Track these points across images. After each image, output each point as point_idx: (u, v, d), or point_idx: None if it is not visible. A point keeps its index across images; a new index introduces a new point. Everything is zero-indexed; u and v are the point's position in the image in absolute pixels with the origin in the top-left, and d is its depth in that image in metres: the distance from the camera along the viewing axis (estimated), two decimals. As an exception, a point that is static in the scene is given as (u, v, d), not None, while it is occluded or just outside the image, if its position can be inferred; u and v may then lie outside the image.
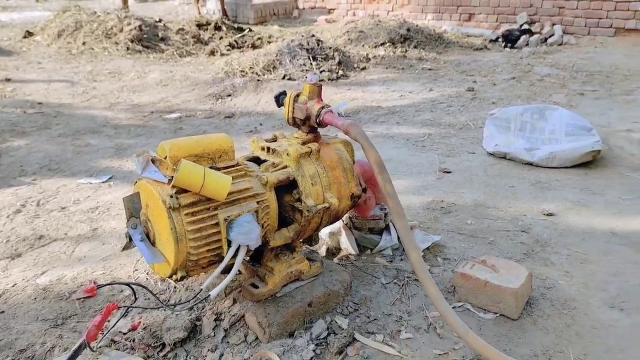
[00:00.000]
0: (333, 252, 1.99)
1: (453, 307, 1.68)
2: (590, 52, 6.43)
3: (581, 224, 2.29)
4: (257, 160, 1.71)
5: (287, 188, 1.62)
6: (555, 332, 1.56)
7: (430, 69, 5.84)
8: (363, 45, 6.74)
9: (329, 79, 5.29)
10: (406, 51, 6.53)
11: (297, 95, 1.75)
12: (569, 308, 1.68)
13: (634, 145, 3.33)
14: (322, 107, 1.69)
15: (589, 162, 3.00)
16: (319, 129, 1.75)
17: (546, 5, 7.35)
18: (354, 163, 1.81)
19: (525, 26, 7.23)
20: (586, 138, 3.19)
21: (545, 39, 7.01)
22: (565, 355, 1.47)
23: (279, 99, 1.82)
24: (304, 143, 1.71)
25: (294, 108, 1.74)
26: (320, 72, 5.43)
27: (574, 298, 1.73)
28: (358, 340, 1.49)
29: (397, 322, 1.60)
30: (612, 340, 1.53)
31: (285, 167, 1.62)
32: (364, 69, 5.79)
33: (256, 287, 1.57)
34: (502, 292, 1.62)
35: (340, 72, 5.49)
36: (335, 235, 2.00)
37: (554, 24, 7.23)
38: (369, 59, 6.13)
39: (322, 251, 1.98)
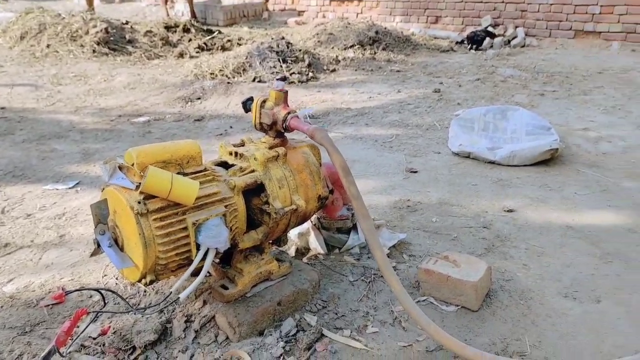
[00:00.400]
0: (302, 252, 2.04)
1: (417, 302, 1.75)
2: (551, 53, 6.69)
3: (539, 219, 2.41)
4: (225, 165, 1.74)
5: (255, 191, 1.65)
6: (513, 321, 1.65)
7: (398, 71, 5.96)
8: (332, 48, 6.82)
9: (299, 81, 5.34)
10: (375, 53, 6.64)
11: (264, 101, 1.79)
12: (526, 298, 1.78)
13: (590, 143, 3.50)
14: (289, 113, 1.73)
15: (548, 160, 3.13)
16: (286, 134, 1.80)
17: (509, 9, 7.60)
18: (320, 166, 1.86)
19: (490, 29, 7.45)
20: (545, 137, 3.34)
21: (509, 41, 7.25)
22: (522, 342, 1.56)
23: (246, 105, 1.86)
24: (271, 147, 1.75)
25: (260, 114, 1.78)
26: (290, 74, 5.47)
27: (531, 289, 1.83)
28: (326, 336, 1.54)
29: (364, 317, 1.66)
30: (565, 328, 1.63)
31: (253, 171, 1.66)
32: (333, 71, 5.86)
33: (226, 288, 1.60)
34: (462, 285, 1.70)
35: (310, 74, 5.54)
36: (304, 235, 2.05)
37: (516, 27, 7.48)
38: (339, 61, 6.20)
39: (292, 251, 2.02)
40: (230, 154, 1.76)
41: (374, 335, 1.58)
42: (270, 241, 1.75)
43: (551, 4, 7.22)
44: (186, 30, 7.51)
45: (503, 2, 7.61)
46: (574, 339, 1.57)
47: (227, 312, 1.53)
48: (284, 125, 1.73)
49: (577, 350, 1.52)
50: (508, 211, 2.49)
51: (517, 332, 1.60)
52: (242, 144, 1.83)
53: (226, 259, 1.70)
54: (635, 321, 1.65)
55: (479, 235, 2.25)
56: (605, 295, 1.79)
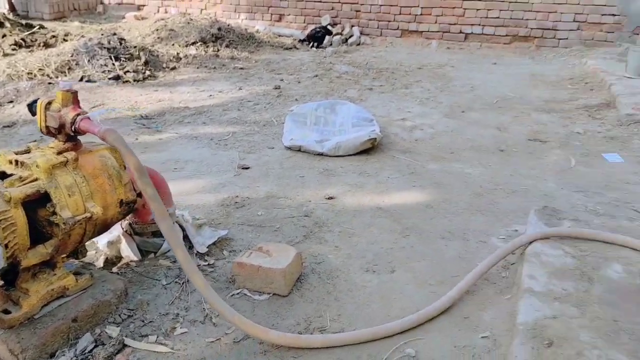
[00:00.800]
0: (113, 261, 1.94)
1: (232, 295, 1.79)
2: (382, 51, 7.32)
3: (354, 203, 2.63)
4: (4, 175, 1.57)
5: (41, 202, 1.52)
6: (318, 300, 1.79)
7: (241, 68, 5.97)
8: (173, 44, 6.56)
9: (134, 80, 5.04)
10: (218, 50, 6.56)
11: (49, 103, 1.66)
12: (333, 277, 1.93)
13: (406, 131, 3.92)
14: (78, 114, 1.63)
15: (370, 149, 3.43)
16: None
17: (345, 8, 8.11)
18: (125, 169, 1.78)
19: (330, 27, 7.87)
20: (368, 128, 3.65)
21: (346, 39, 7.75)
22: (323, 318, 1.69)
23: (32, 108, 1.71)
24: (59, 152, 1.63)
25: (46, 117, 1.65)
26: (125, 72, 5.13)
27: (339, 268, 2.00)
28: (129, 346, 1.49)
29: (173, 320, 1.64)
30: (362, 298, 1.81)
31: (36, 179, 1.52)
32: (173, 68, 5.65)
33: (9, 312, 1.45)
34: (272, 273, 1.78)
35: (147, 72, 5.27)
36: (114, 244, 1.95)
37: (353, 26, 8.02)
38: (180, 59, 6.00)
39: (100, 262, 1.91)
40: (10, 162, 1.60)
41: (182, 336, 1.57)
42: (65, 254, 1.63)
43: (381, 5, 7.88)
44: (0, 24, 6.55)
45: (340, 2, 8.09)
46: (368, 307, 1.76)
47: (8, 339, 1.39)
48: (73, 128, 1.62)
49: (370, 317, 1.71)
50: (329, 199, 2.67)
51: (321, 310, 1.73)
52: (27, 151, 1.66)
53: (12, 279, 1.54)
54: (419, 285, 1.90)
55: (300, 224, 2.38)
56: (399, 265, 2.03)
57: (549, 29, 7.04)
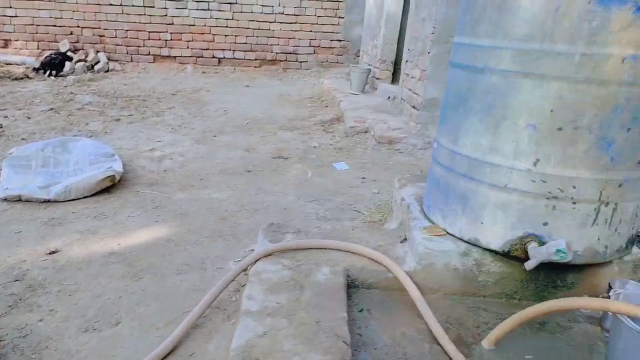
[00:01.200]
0: None
1: None
2: (134, 77, 6.97)
3: (83, 253, 2.36)
4: None
5: None
6: (15, 386, 1.51)
7: (-53, 106, 4.88)
8: None
9: None
10: None
11: None
12: (40, 350, 1.67)
13: (154, 162, 3.76)
14: None
15: (111, 187, 3.16)
16: None
17: (87, 33, 7.47)
18: None
19: (70, 53, 7.12)
20: (107, 164, 3.37)
21: (92, 66, 7.13)
22: (20, 407, 1.44)
23: None
24: None
25: None
26: None
27: (50, 336, 1.74)
28: None
29: None
30: (76, 367, 1.61)
31: None
32: None
33: None
34: (-56, 370, 1.43)
35: None
36: None
37: (98, 52, 7.43)
38: None
39: None
40: None
41: None
42: None
43: (127, 30, 7.52)
44: None
45: (79, 26, 7.41)
46: (81, 375, 1.57)
47: None
48: None
49: (82, 386, 1.52)
50: (51, 253, 2.34)
51: (17, 397, 1.47)
52: None
53: None
54: (145, 331, 1.79)
55: (6, 293, 2.00)
56: (126, 315, 1.88)
57: (291, 53, 7.81)
